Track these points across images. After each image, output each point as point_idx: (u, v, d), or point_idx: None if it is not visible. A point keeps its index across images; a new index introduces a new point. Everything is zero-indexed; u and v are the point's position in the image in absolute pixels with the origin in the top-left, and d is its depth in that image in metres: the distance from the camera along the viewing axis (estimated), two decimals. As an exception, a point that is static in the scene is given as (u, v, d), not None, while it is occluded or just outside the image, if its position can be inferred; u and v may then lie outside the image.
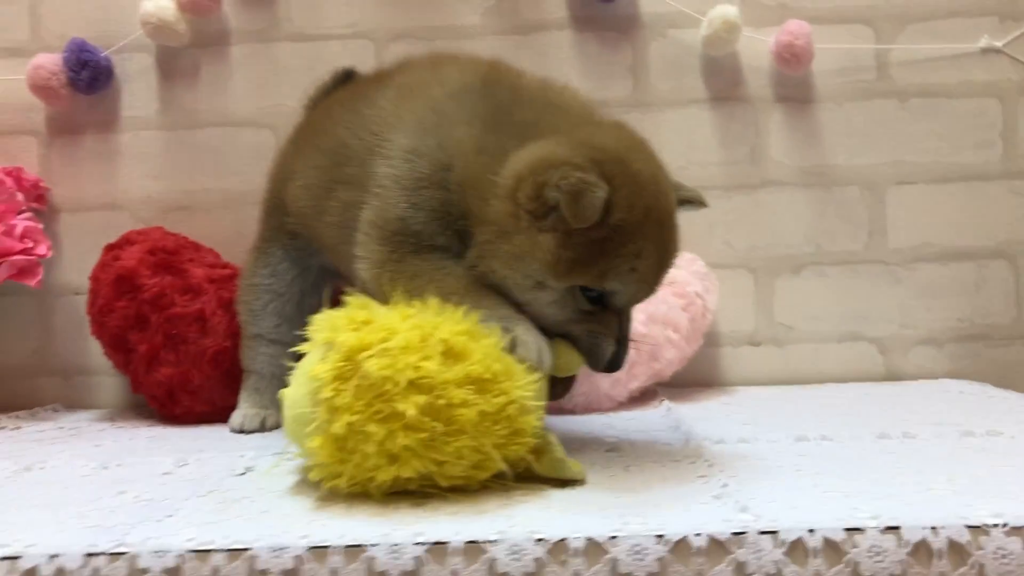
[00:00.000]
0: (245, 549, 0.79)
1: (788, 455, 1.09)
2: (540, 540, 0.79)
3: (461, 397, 0.89)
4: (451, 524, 0.83)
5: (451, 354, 0.92)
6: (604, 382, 1.48)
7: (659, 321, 1.53)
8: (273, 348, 1.44)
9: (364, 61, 1.76)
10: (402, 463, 0.89)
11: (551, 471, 0.96)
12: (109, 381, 1.78)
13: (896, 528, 0.78)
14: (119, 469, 1.16)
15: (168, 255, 1.60)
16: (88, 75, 1.71)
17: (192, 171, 1.80)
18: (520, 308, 1.02)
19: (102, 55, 1.74)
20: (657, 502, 0.88)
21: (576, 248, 0.96)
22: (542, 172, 0.95)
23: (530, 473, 0.96)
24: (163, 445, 1.33)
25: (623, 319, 1.04)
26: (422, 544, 0.79)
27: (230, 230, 1.78)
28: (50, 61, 1.71)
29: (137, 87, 1.80)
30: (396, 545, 0.79)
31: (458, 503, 0.90)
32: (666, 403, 1.51)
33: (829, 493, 0.89)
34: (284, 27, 1.80)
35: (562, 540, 0.79)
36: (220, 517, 0.89)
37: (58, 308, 1.81)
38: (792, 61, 1.70)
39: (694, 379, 1.74)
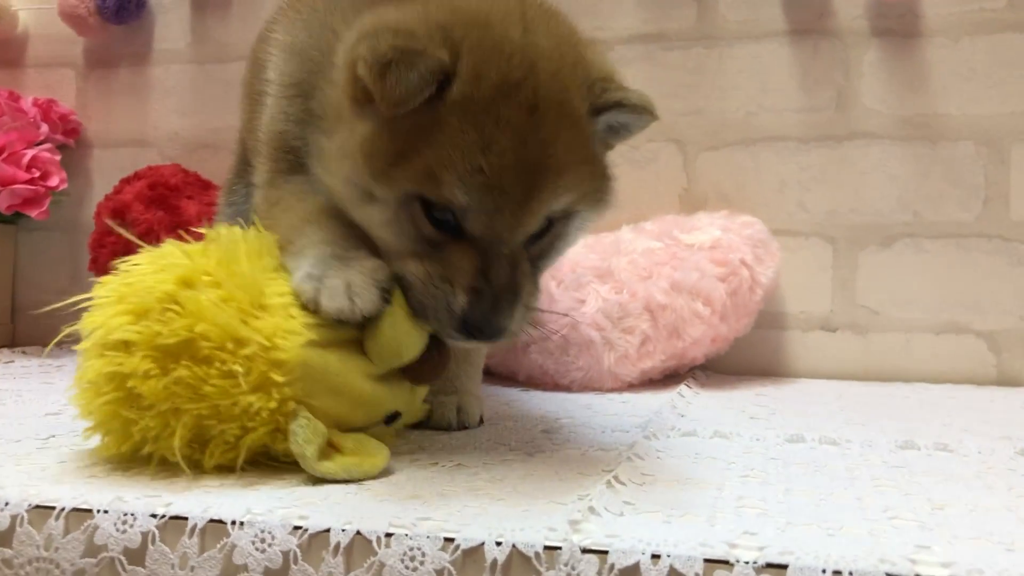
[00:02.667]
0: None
1: (744, 459, 0.82)
2: (297, 528, 0.59)
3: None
4: (206, 498, 0.65)
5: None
6: (607, 357, 1.24)
7: (685, 291, 1.27)
8: None
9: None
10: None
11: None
12: (126, 323, 1.71)
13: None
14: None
15: (168, 191, 1.51)
16: (114, 3, 1.64)
17: (220, 108, 1.69)
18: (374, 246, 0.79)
19: (132, -18, 1.66)
20: (499, 500, 0.66)
21: (399, 136, 0.73)
22: (359, 44, 0.73)
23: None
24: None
25: (496, 261, 0.75)
26: (157, 517, 0.61)
27: (253, 171, 1.66)
28: (80, -12, 1.65)
29: (170, 19, 1.72)
30: (127, 515, 0.62)
31: (236, 476, 0.71)
32: (683, 388, 1.25)
33: (718, 515, 0.63)
34: (318, -47, 1.66)
35: (325, 531, 0.59)
36: None
37: (86, 245, 1.76)
38: (890, -17, 1.38)
39: (747, 366, 1.46)
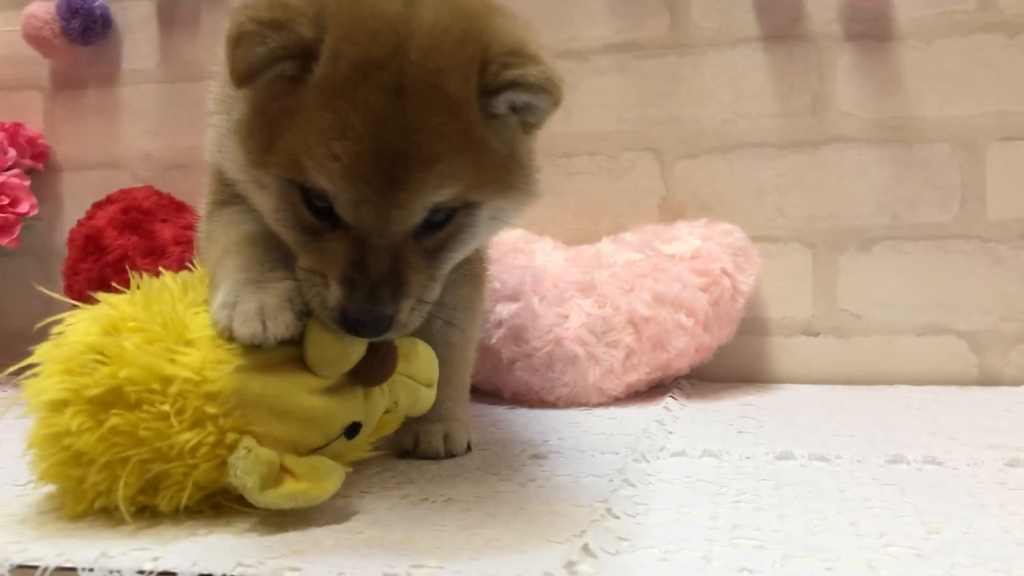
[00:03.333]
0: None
1: (735, 481, 0.82)
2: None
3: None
4: (195, 549, 0.63)
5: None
6: (592, 372, 1.24)
7: (668, 303, 1.27)
8: None
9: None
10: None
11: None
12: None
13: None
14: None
15: (141, 214, 1.49)
16: (79, 24, 1.61)
17: (192, 127, 1.66)
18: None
19: (96, 3, 1.63)
20: (493, 541, 0.65)
21: (268, 119, 0.71)
22: (230, 22, 0.70)
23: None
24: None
25: (372, 252, 0.70)
26: (144, 573, 0.60)
27: (228, 191, 1.64)
28: (43, 10, 1.63)
29: (138, 38, 1.69)
30: (113, 572, 0.60)
31: (224, 523, 0.70)
32: (669, 400, 1.24)
33: (714, 550, 0.63)
34: (286, -32, 1.64)
35: None
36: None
37: (60, 270, 1.73)
38: (862, -13, 1.38)
39: (731, 373, 1.46)
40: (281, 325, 0.71)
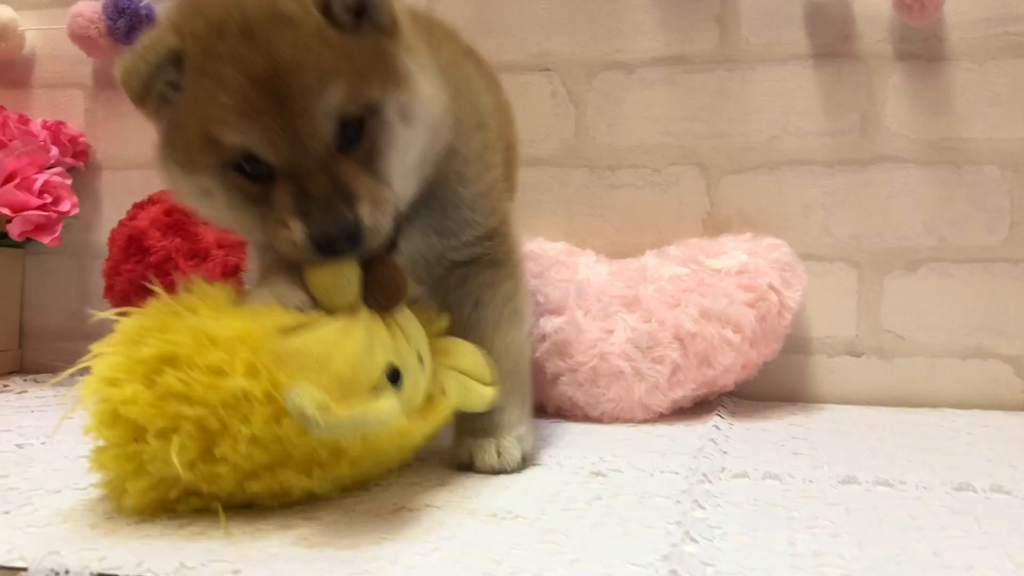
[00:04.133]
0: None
1: (804, 505, 0.81)
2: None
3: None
4: (276, 565, 0.63)
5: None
6: (637, 388, 1.23)
7: (715, 318, 1.25)
8: None
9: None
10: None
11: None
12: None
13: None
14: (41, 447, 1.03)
15: (184, 216, 1.48)
16: (125, 23, 1.61)
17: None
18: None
19: (142, 3, 1.63)
20: (575, 563, 0.64)
21: (176, 127, 0.81)
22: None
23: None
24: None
25: (308, 179, 0.77)
26: None
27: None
28: (89, 9, 1.63)
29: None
30: None
31: (301, 536, 0.69)
32: (717, 419, 1.24)
33: None
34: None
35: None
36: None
37: (97, 269, 1.72)
38: (917, 8, 1.37)
39: (774, 392, 1.45)
40: (299, 296, 0.78)
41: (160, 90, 0.79)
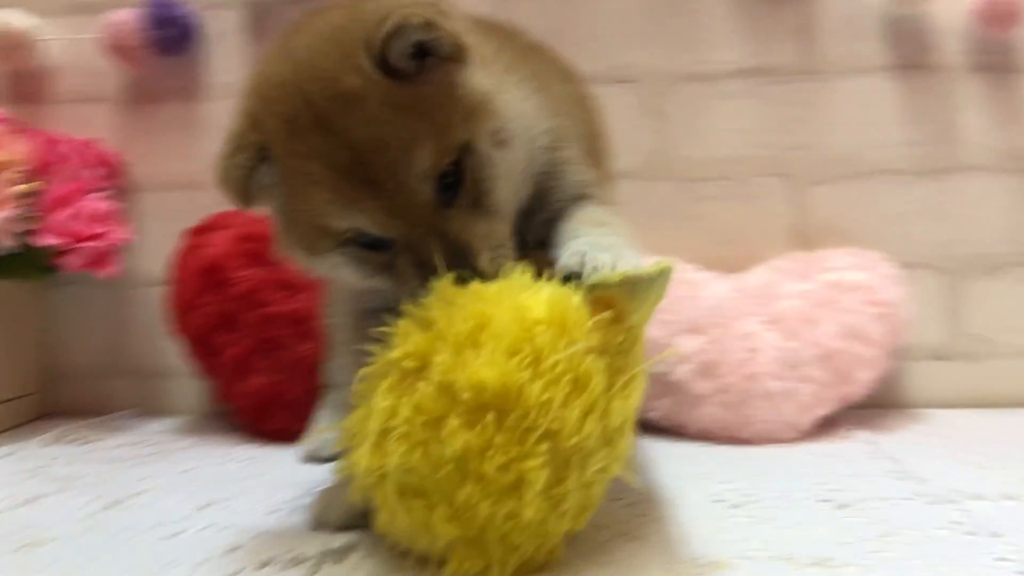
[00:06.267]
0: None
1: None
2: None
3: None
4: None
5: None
6: (786, 407, 1.22)
7: (852, 334, 1.26)
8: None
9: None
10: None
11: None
12: (190, 385, 1.56)
13: None
14: (220, 511, 0.93)
15: (260, 243, 1.37)
16: (174, 33, 1.48)
17: (285, 146, 1.56)
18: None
19: (187, 12, 1.51)
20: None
21: (287, 220, 0.79)
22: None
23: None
24: (267, 473, 1.10)
25: (422, 242, 0.75)
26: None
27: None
28: (131, 17, 1.49)
29: (225, 49, 1.57)
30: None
31: None
32: (861, 434, 1.24)
33: None
34: (393, -19, 1.55)
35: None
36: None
37: (134, 301, 1.59)
38: (1003, 20, 1.41)
39: (870, 399, 1.46)
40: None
41: (260, 187, 0.78)
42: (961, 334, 1.49)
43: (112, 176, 1.53)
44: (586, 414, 0.66)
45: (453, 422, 0.64)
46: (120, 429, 1.43)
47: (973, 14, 1.45)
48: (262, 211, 0.81)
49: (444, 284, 0.73)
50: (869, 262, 1.37)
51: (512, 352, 0.66)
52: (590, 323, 0.69)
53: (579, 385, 0.67)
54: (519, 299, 0.70)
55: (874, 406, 1.45)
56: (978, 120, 1.48)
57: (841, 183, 1.50)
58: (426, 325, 0.70)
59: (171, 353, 1.54)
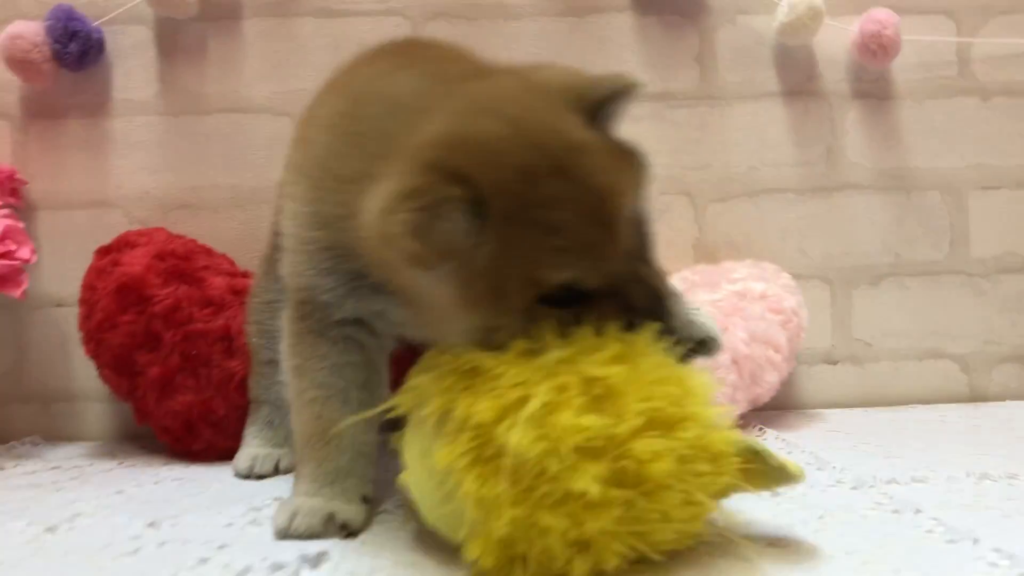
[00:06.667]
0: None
1: (997, 498, 0.92)
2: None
3: (648, 449, 0.68)
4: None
5: (609, 395, 0.70)
6: (704, 408, 1.29)
7: (760, 340, 1.35)
8: None
9: (400, 41, 1.54)
10: (599, 549, 0.68)
11: (770, 483, 0.77)
12: (97, 409, 1.51)
13: None
14: (173, 527, 0.91)
15: (180, 261, 1.36)
16: (77, 48, 1.45)
17: (198, 164, 1.55)
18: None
19: (93, 26, 1.47)
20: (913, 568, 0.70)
21: (481, 276, 0.74)
22: (384, 225, 0.72)
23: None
24: (207, 490, 1.09)
25: (630, 288, 0.76)
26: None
27: (242, 232, 1.54)
28: (31, 30, 1.44)
29: (132, 65, 1.54)
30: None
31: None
32: (768, 431, 1.33)
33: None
34: (306, 1, 1.57)
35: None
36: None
37: (35, 322, 1.53)
38: (879, 53, 1.55)
39: (772, 401, 1.57)
40: (332, 530, 0.85)
41: (458, 243, 0.72)
42: (848, 339, 1.62)
43: (12, 194, 1.47)
44: None
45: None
46: (28, 456, 1.37)
47: (854, 46, 1.58)
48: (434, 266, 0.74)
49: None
50: (768, 273, 1.48)
51: None
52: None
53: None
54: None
55: (775, 408, 1.56)
56: (858, 142, 1.62)
57: (739, 201, 1.61)
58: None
59: (76, 376, 1.50)
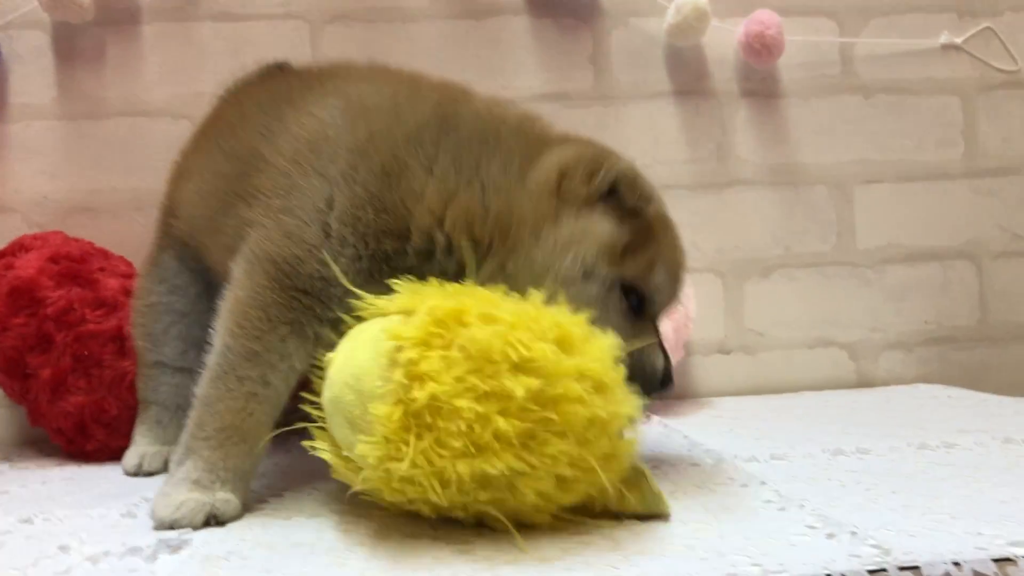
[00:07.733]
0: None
1: (841, 471, 0.97)
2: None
3: (577, 392, 0.73)
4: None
5: (565, 343, 0.76)
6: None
7: (645, 329, 1.40)
8: (179, 377, 1.21)
9: (296, 45, 1.58)
10: (489, 455, 0.71)
11: (643, 506, 0.81)
12: (-4, 413, 1.51)
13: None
14: (45, 522, 0.93)
15: (74, 263, 1.36)
16: (-28, 56, 1.45)
17: (97, 168, 1.56)
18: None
19: (-14, 32, 1.48)
20: (752, 538, 0.74)
21: (628, 233, 0.94)
22: (591, 162, 0.95)
23: (605, 510, 0.80)
24: (93, 489, 1.10)
25: (658, 328, 0.99)
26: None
27: (142, 235, 1.52)
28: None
29: (29, 70, 1.55)
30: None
31: (514, 552, 0.73)
32: (656, 418, 1.38)
33: (938, 517, 0.77)
34: (204, 4, 1.58)
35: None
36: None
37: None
38: (763, 52, 1.61)
39: (665, 391, 1.62)
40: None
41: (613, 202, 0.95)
42: (740, 330, 1.68)
43: (-95, 199, 1.47)
44: None
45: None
46: (-79, 461, 1.36)
47: (740, 46, 1.64)
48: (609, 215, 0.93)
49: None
50: (659, 266, 1.52)
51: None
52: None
53: None
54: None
55: (670, 396, 1.61)
56: (748, 139, 1.68)
57: (633, 197, 1.65)
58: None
59: (-26, 381, 1.49)
